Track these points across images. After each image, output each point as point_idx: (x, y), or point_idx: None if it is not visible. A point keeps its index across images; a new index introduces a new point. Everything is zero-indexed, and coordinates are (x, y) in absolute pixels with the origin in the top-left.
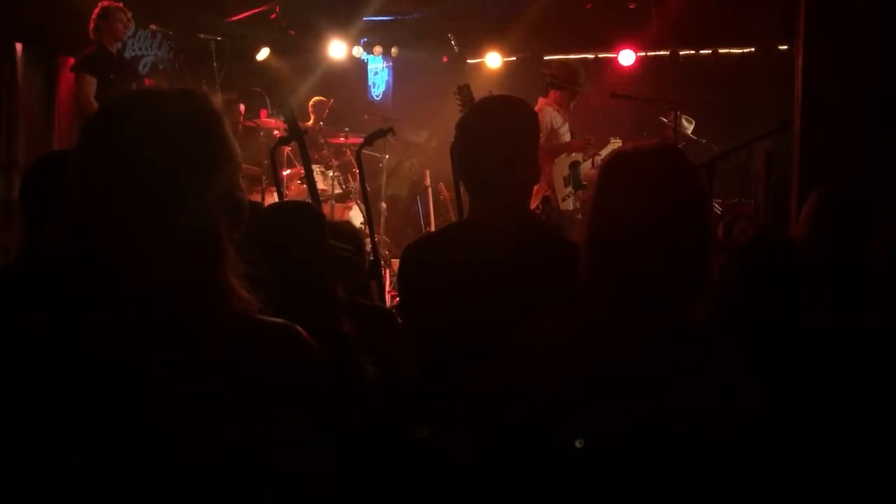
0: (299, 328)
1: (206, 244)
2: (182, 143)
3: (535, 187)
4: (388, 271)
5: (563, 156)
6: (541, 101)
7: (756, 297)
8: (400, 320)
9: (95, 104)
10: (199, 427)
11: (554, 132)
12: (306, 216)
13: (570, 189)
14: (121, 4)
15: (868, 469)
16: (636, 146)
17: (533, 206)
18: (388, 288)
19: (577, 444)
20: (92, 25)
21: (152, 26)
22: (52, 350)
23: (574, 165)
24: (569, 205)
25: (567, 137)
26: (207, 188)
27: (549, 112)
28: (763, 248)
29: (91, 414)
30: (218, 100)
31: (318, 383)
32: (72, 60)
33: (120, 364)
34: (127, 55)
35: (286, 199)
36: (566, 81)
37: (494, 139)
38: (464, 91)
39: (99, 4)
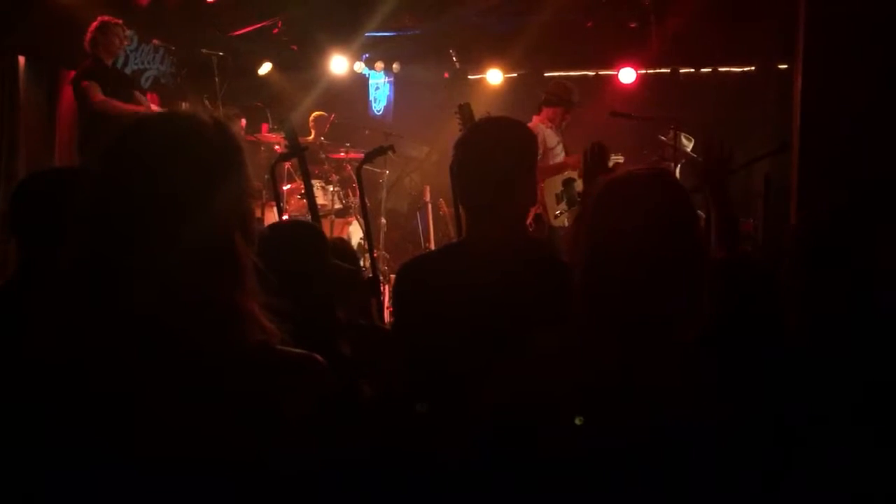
0: (319, 358)
1: (228, 269)
2: (200, 164)
3: None
4: (387, 287)
5: None
6: (534, 118)
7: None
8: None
9: (109, 102)
10: (203, 457)
11: (548, 150)
12: (307, 237)
13: (563, 206)
14: (120, 21)
15: (855, 485)
16: (630, 171)
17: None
18: (386, 304)
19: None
20: (89, 38)
21: (155, 41)
22: (54, 376)
23: (568, 182)
24: (563, 221)
25: (561, 156)
26: (228, 214)
27: (542, 130)
28: (727, 270)
29: (89, 446)
30: (239, 129)
31: (331, 414)
32: (73, 74)
33: (124, 394)
34: (129, 69)
35: (286, 217)
36: (559, 99)
37: (492, 161)
38: (464, 110)
39: (98, 18)
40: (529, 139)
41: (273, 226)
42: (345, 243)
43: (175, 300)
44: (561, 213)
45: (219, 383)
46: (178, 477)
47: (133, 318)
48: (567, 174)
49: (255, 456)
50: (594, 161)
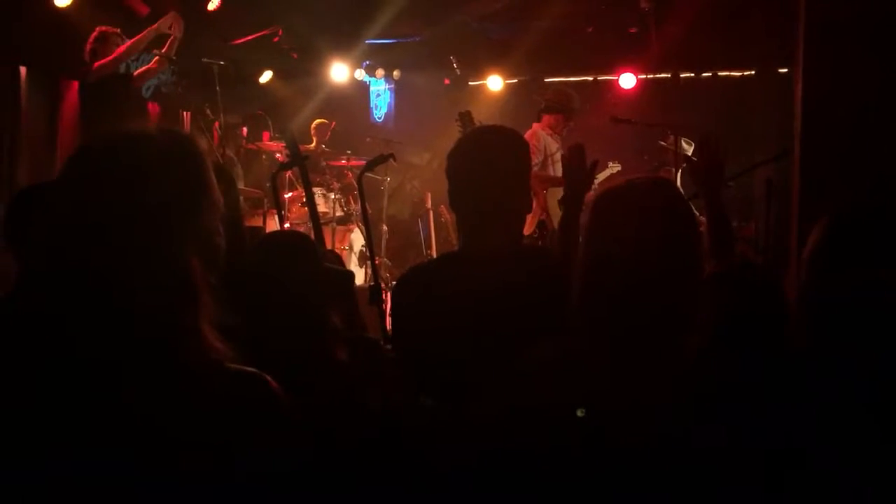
0: (267, 377)
1: (179, 290)
2: (160, 186)
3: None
4: (388, 294)
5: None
6: (534, 125)
7: (732, 331)
8: (389, 348)
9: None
10: (162, 469)
11: (548, 157)
12: (300, 248)
13: None
14: (118, 30)
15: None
16: (628, 181)
17: (529, 231)
18: (388, 311)
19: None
20: (88, 48)
21: (156, 51)
22: (28, 382)
23: None
24: None
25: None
26: (184, 232)
27: (542, 137)
28: (733, 281)
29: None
30: (203, 141)
31: (284, 433)
32: (75, 84)
33: (91, 401)
34: None
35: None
36: (559, 106)
37: (485, 170)
38: (465, 117)
39: (97, 29)
40: (522, 147)
41: (264, 238)
42: (333, 254)
43: (125, 321)
44: None
45: (172, 403)
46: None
47: (86, 339)
48: None
49: (208, 474)
50: (574, 161)
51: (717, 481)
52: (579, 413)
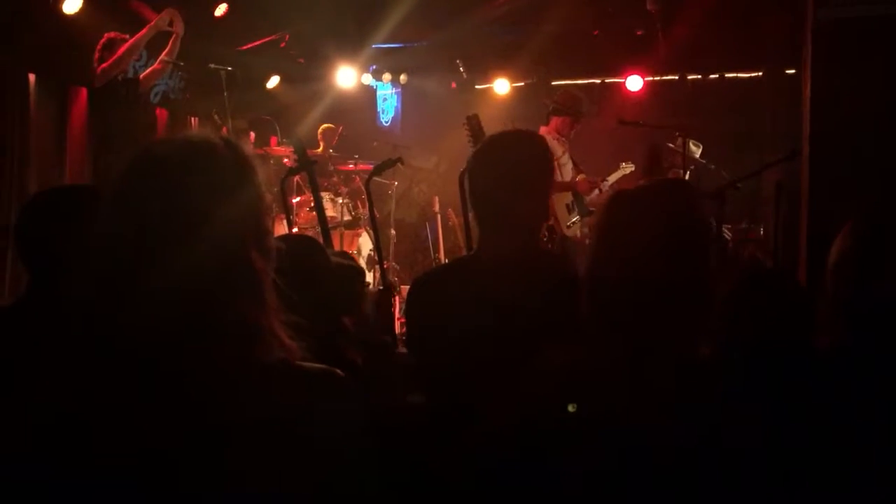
0: (339, 373)
1: (248, 289)
2: (219, 188)
3: None
4: (397, 298)
5: None
6: (542, 129)
7: (751, 334)
8: (404, 351)
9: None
10: (233, 480)
11: (554, 162)
12: (310, 249)
13: (575, 215)
14: (126, 35)
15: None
16: (640, 184)
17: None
18: (397, 315)
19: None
20: (97, 56)
21: (162, 57)
22: (74, 394)
23: (577, 192)
24: (575, 231)
25: (568, 167)
26: (244, 232)
27: (549, 141)
28: (754, 285)
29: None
30: (248, 147)
31: (358, 431)
32: (84, 91)
33: (147, 410)
34: None
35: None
36: (567, 109)
37: (507, 174)
38: (472, 121)
39: (105, 35)
40: (545, 154)
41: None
42: (345, 256)
43: (194, 320)
44: (573, 223)
45: (243, 403)
46: None
47: (147, 343)
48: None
49: (281, 478)
50: (650, 161)
51: (738, 487)
52: (570, 409)
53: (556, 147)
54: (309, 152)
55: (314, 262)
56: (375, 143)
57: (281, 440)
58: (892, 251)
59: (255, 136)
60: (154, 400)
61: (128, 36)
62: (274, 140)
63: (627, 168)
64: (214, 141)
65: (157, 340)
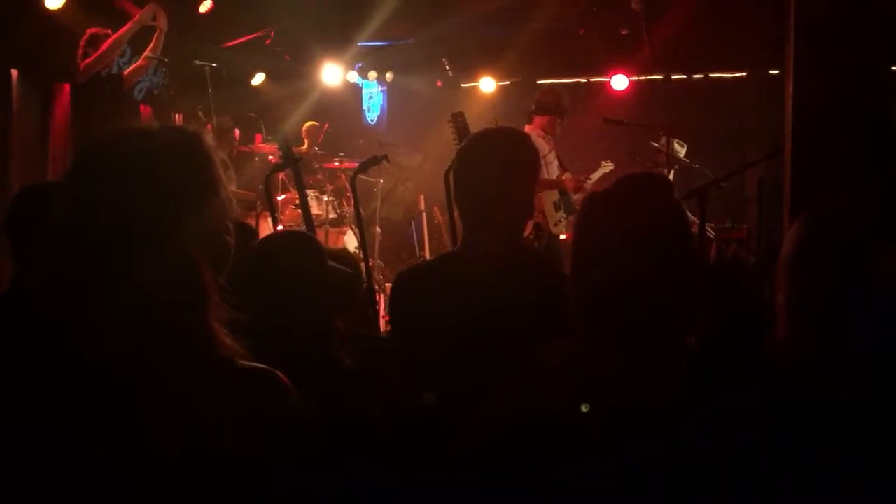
0: (279, 374)
1: (186, 289)
2: (166, 183)
3: None
4: (381, 296)
5: None
6: (526, 128)
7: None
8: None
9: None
10: (175, 478)
11: (541, 159)
12: (305, 248)
13: (561, 213)
14: (109, 31)
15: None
16: (620, 178)
17: (525, 233)
18: (382, 313)
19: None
20: (80, 52)
21: (146, 54)
22: (29, 385)
23: (564, 191)
24: (562, 229)
25: (553, 165)
26: (190, 230)
27: (534, 139)
28: (719, 271)
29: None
30: (210, 138)
31: (299, 428)
32: (67, 87)
33: (93, 407)
34: None
35: (281, 229)
36: (550, 106)
37: (493, 171)
38: (458, 119)
39: (88, 31)
40: (532, 152)
41: (269, 237)
42: (346, 252)
43: (135, 322)
44: (560, 222)
45: (185, 401)
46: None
47: (97, 343)
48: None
49: (223, 471)
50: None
51: (735, 479)
52: (584, 409)
53: (542, 145)
54: (294, 150)
55: (301, 266)
56: (361, 141)
57: (217, 438)
58: (842, 247)
59: (240, 134)
60: (105, 404)
61: (111, 31)
62: (259, 137)
63: (608, 167)
64: (173, 134)
65: (93, 336)
